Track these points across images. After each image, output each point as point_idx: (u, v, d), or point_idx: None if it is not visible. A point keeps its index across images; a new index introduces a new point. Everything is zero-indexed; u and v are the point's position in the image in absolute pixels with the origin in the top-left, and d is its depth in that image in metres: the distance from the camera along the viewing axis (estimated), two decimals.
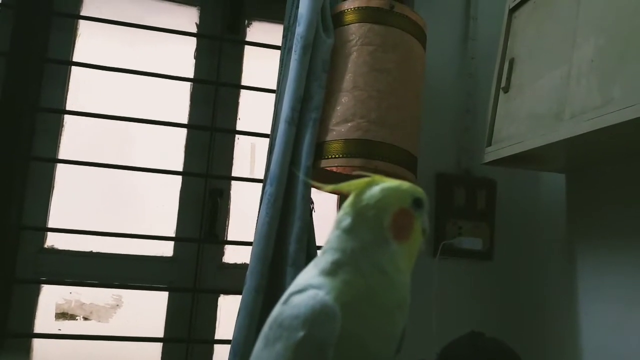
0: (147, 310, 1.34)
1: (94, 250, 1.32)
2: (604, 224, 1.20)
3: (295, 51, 1.18)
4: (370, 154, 1.13)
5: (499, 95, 1.25)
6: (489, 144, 1.23)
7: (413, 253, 0.62)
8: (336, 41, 1.21)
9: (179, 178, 1.39)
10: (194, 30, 1.45)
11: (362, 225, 0.59)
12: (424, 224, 0.64)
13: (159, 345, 1.32)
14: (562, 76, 1.02)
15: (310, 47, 1.18)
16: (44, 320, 1.28)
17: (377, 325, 0.56)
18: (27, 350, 1.26)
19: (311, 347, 0.54)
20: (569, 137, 0.96)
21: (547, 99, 1.06)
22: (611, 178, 1.18)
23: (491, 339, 0.66)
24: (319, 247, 1.06)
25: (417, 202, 0.62)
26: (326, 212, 1.38)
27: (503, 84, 1.23)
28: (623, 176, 1.14)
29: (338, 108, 1.17)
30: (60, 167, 1.33)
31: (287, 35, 1.26)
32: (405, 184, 0.63)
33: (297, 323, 0.56)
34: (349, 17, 1.20)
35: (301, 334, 0.55)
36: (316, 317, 0.55)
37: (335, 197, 1.45)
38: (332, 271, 0.58)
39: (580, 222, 1.28)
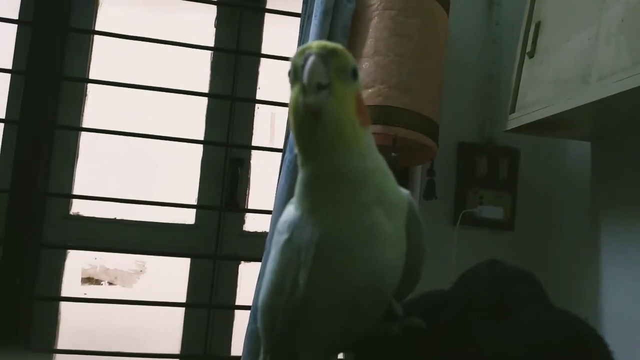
0: (169, 276, 1.36)
1: (118, 218, 1.34)
2: (630, 193, 1.17)
3: (315, 16, 1.17)
4: (390, 120, 1.12)
5: (524, 60, 1.22)
6: (513, 111, 1.21)
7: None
8: (357, 6, 1.19)
9: (200, 147, 1.40)
10: None
11: None
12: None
13: (182, 310, 1.35)
14: (590, 38, 0.99)
15: (331, 12, 1.16)
16: (70, 284, 1.32)
17: (353, 224, 0.53)
18: (55, 313, 1.29)
19: (292, 250, 0.54)
20: (595, 100, 0.93)
21: (573, 62, 1.03)
22: (638, 146, 1.15)
23: (511, 266, 0.63)
24: None
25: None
26: None
27: (528, 49, 1.19)
28: None
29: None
30: (84, 135, 1.35)
31: (308, 1, 1.24)
32: None
33: (284, 228, 0.56)
34: None
35: (285, 236, 0.55)
36: (295, 222, 0.55)
37: None
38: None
39: (605, 192, 1.25)
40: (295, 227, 0.55)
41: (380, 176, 0.55)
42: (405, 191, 0.60)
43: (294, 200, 0.57)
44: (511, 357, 0.52)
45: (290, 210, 0.57)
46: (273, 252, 0.58)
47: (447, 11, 1.24)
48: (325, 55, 0.51)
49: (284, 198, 1.15)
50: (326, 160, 0.53)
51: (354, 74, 0.53)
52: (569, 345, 0.53)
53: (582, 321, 0.57)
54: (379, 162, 0.56)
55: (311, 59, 0.50)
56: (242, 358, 1.13)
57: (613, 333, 0.56)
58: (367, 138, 0.54)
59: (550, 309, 0.59)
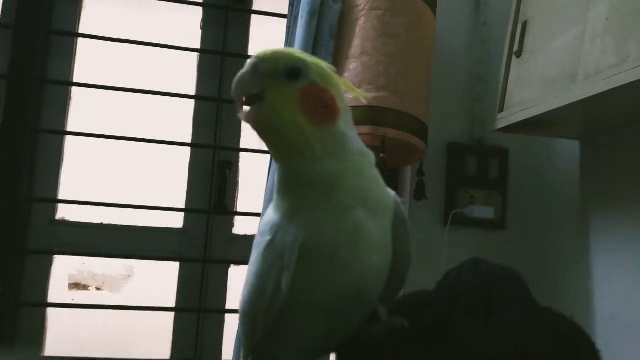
0: (158, 281, 1.35)
1: (105, 222, 1.32)
2: (618, 191, 1.17)
3: (301, 17, 1.16)
4: (379, 121, 1.11)
5: (511, 60, 1.22)
6: (501, 110, 1.21)
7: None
8: (343, 6, 1.18)
9: (188, 150, 1.38)
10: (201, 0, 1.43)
11: None
12: None
13: (171, 315, 1.33)
14: (577, 36, 0.99)
15: (317, 13, 1.16)
16: (57, 290, 1.30)
17: (335, 227, 0.51)
18: (42, 319, 1.27)
19: (275, 252, 0.52)
20: (583, 98, 0.93)
21: (560, 61, 1.03)
22: (627, 144, 1.15)
23: (495, 264, 0.63)
24: None
25: None
26: None
27: (515, 48, 1.19)
28: (638, 142, 1.11)
29: (346, 75, 1.15)
30: (69, 139, 1.33)
31: (294, 2, 1.24)
32: None
33: (267, 229, 0.55)
34: None
35: (268, 238, 0.54)
36: (278, 224, 0.53)
37: None
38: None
39: (594, 190, 1.26)
40: (278, 229, 0.53)
41: (355, 177, 0.53)
42: (392, 192, 0.59)
43: (273, 202, 0.57)
44: (497, 357, 0.52)
45: (271, 212, 0.56)
46: (254, 255, 0.57)
47: (434, 11, 1.24)
48: (254, 65, 0.51)
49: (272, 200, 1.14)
50: (286, 165, 0.53)
51: (292, 73, 0.51)
52: (554, 343, 0.53)
53: (567, 319, 0.57)
54: (354, 161, 0.53)
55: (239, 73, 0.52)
56: None
57: (604, 331, 0.56)
58: (328, 137, 0.52)
59: (535, 307, 0.59)
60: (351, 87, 0.59)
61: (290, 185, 0.53)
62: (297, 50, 0.54)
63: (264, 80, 0.51)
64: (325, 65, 0.54)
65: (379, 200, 0.55)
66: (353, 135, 0.55)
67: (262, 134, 0.52)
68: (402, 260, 0.59)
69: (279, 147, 0.53)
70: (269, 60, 0.52)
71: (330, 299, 0.52)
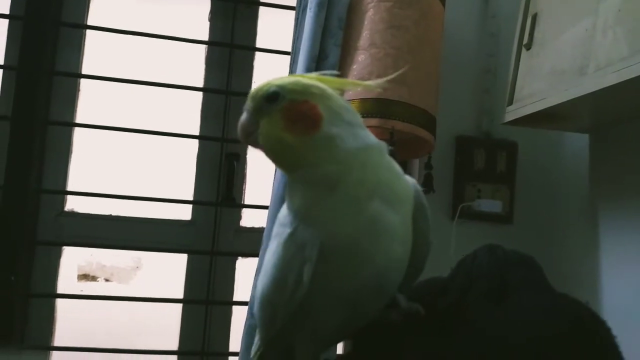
0: (166, 272, 1.35)
1: (113, 214, 1.33)
2: (628, 185, 1.17)
3: (310, 8, 1.16)
4: (387, 113, 1.11)
5: (520, 52, 1.21)
6: (510, 103, 1.20)
7: None
8: None
9: (196, 142, 1.38)
10: None
11: None
12: None
13: (179, 306, 1.34)
14: (587, 28, 0.98)
15: (326, 4, 1.15)
16: (66, 281, 1.31)
17: (354, 222, 0.52)
18: (51, 310, 1.29)
19: (296, 244, 0.53)
20: (593, 91, 0.92)
21: (571, 53, 1.02)
22: (637, 138, 1.14)
23: (510, 250, 0.63)
24: None
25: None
26: None
27: (525, 41, 1.18)
28: None
29: (354, 67, 1.14)
30: (77, 131, 1.34)
31: None
32: None
33: (289, 220, 0.55)
34: None
35: (289, 230, 0.55)
36: (299, 216, 0.54)
37: None
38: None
39: (603, 184, 1.25)
40: (300, 221, 0.54)
41: (361, 170, 0.53)
42: (411, 180, 0.59)
43: (286, 201, 0.58)
44: (511, 341, 0.51)
45: (286, 209, 0.57)
46: (274, 245, 0.57)
47: (443, 3, 1.23)
48: (245, 108, 0.57)
49: (280, 193, 1.14)
50: (291, 175, 0.56)
51: (271, 99, 0.54)
52: (570, 327, 0.52)
53: (582, 304, 0.57)
54: (355, 156, 0.54)
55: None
56: (240, 354, 1.13)
57: (612, 325, 0.56)
58: (318, 143, 0.53)
59: (550, 292, 0.59)
60: (357, 83, 0.60)
61: (298, 189, 0.55)
62: (275, 78, 0.57)
63: (256, 116, 0.55)
64: (302, 79, 0.56)
65: (394, 190, 0.55)
66: (350, 132, 0.55)
67: (268, 158, 0.57)
68: (422, 248, 0.60)
69: (280, 164, 0.57)
70: (252, 98, 0.56)
71: (352, 291, 0.53)
